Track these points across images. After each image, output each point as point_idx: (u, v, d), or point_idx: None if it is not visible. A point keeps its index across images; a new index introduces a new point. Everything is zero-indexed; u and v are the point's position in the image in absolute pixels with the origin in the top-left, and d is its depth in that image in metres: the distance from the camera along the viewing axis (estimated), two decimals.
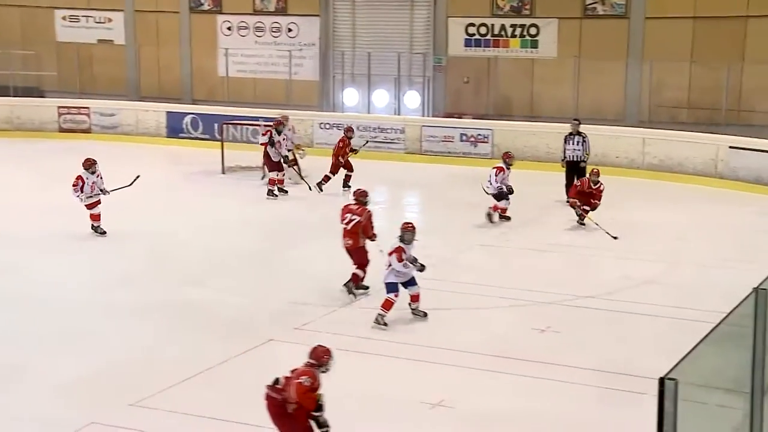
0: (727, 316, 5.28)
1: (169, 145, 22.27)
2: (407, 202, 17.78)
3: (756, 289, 5.44)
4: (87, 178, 13.91)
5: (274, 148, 16.66)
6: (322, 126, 21.74)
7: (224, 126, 20.56)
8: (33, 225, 14.58)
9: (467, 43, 22.05)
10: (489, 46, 21.84)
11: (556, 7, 21.07)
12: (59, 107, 24.02)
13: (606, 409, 8.15)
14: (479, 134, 20.38)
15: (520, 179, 16.81)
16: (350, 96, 23.13)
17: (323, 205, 15.94)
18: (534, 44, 21.44)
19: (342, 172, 17.13)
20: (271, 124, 17.20)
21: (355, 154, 17.34)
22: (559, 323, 10.20)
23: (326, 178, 17.08)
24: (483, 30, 21.83)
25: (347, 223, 10.98)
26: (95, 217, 13.95)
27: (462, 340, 9.59)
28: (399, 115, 22.17)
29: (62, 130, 23.87)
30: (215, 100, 23.96)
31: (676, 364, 4.50)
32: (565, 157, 16.54)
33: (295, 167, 17.35)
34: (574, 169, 16.32)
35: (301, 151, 18.01)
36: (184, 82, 24.86)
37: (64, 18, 25.96)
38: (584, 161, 16.37)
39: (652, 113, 19.44)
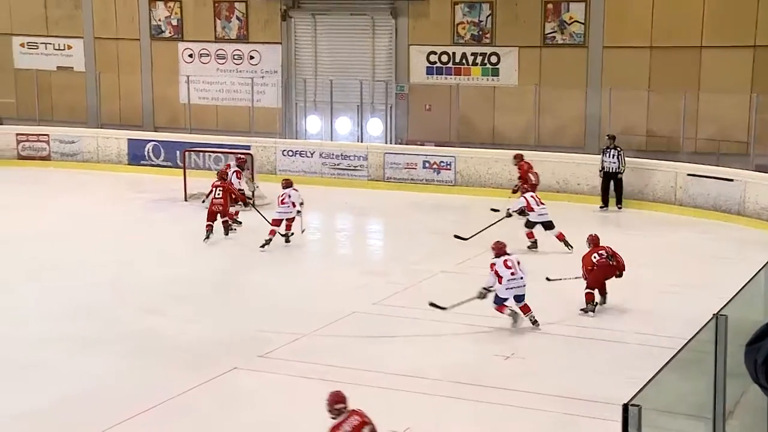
0: (688, 342, 5.36)
1: (131, 173, 22.10)
2: (370, 230, 17.81)
3: (716, 315, 5.52)
4: None
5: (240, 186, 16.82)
6: (285, 153, 21.72)
7: (186, 153, 20.46)
8: None
9: (429, 71, 22.22)
10: (451, 74, 22.02)
11: (516, 36, 21.33)
12: (18, 134, 23.74)
13: None
14: (442, 161, 20.49)
15: (483, 205, 16.93)
16: (313, 123, 23.16)
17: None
18: (495, 72, 21.66)
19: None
20: (235, 162, 17.43)
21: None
22: (523, 350, 10.26)
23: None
24: (444, 58, 22.03)
25: None
26: None
27: (427, 367, 9.60)
28: (362, 142, 22.23)
29: (21, 158, 23.58)
30: (177, 127, 23.83)
31: (640, 390, 4.55)
32: (603, 168, 18.36)
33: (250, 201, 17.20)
34: (611, 179, 18.33)
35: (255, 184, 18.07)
36: (146, 109, 24.72)
37: (22, 45, 25.71)
38: (620, 172, 18.27)
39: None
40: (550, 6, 20.90)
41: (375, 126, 22.64)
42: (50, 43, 25.43)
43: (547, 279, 12.62)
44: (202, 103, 24.05)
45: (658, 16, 20.01)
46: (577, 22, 20.76)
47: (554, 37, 21.00)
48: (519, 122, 21.37)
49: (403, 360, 9.87)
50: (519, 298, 11.02)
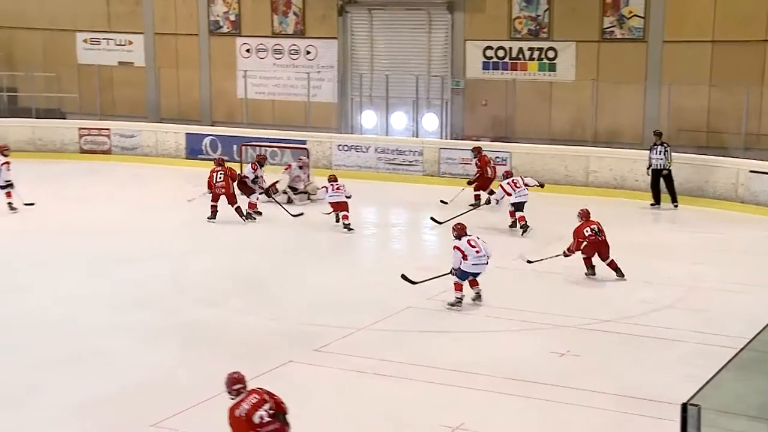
0: (750, 342, 5.26)
1: (189, 167, 22.40)
2: (425, 224, 17.76)
3: None
4: None
5: (256, 184, 17.28)
6: (340, 148, 21.82)
7: (243, 147, 20.65)
8: (52, 246, 14.69)
9: (485, 66, 22.12)
10: (507, 69, 21.89)
11: (573, 31, 21.11)
12: (80, 129, 24.24)
13: None
14: (497, 156, 20.39)
15: (538, 201, 16.80)
16: (368, 118, 23.21)
17: (336, 227, 15.97)
18: (552, 67, 21.48)
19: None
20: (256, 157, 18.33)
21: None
22: (578, 347, 10.15)
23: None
24: (501, 53, 21.89)
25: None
26: None
27: (481, 363, 9.56)
28: (417, 137, 22.23)
29: (83, 152, 24.06)
30: (234, 122, 24.11)
31: (699, 390, 4.48)
32: (650, 165, 18.04)
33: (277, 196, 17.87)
34: (659, 176, 17.99)
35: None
36: (204, 103, 25.03)
37: (85, 41, 26.22)
38: (667, 169, 17.90)
39: (671, 137, 19.37)
40: (608, 0, 20.64)
41: (430, 121, 22.61)
42: (112, 39, 25.90)
43: (528, 261, 13.31)
44: (259, 98, 24.27)
45: (721, 10, 19.64)
46: (637, 16, 20.47)
47: (613, 31, 20.74)
48: (575, 118, 21.17)
49: (456, 355, 9.84)
50: (475, 275, 11.63)
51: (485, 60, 22.05)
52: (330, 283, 12.67)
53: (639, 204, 18.30)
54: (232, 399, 6.79)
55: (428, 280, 11.94)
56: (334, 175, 16.81)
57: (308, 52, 23.88)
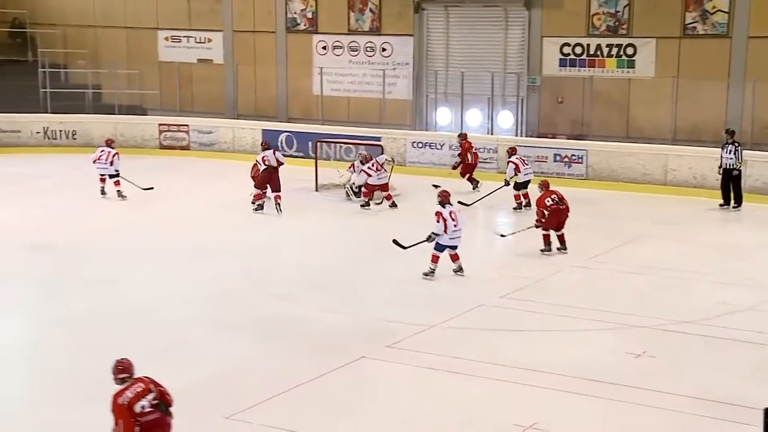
0: None
1: None
2: (500, 222, 17.66)
3: None
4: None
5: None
6: (415, 145, 21.83)
7: (318, 144, 20.84)
8: (133, 240, 15.03)
9: (562, 63, 21.86)
10: (584, 66, 21.60)
11: (654, 27, 20.72)
12: (160, 125, 24.75)
13: None
14: (573, 155, 20.15)
15: (615, 201, 16.58)
16: (443, 115, 23.17)
17: (412, 223, 15.96)
18: (631, 64, 21.11)
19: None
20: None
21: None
22: (655, 348, 9.97)
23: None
24: (578, 50, 21.62)
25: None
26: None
27: (555, 362, 9.47)
28: (492, 134, 22.10)
29: (162, 147, 24.57)
30: (310, 118, 24.32)
31: None
32: (721, 165, 17.58)
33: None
34: (730, 176, 17.45)
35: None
36: (280, 100, 25.31)
37: (166, 38, 26.75)
38: (737, 169, 17.35)
39: (755, 135, 18.88)
40: None
41: (505, 118, 22.46)
42: (192, 37, 26.37)
43: (501, 235, 14.57)
44: (335, 95, 24.43)
45: None
46: (721, 11, 19.99)
47: (695, 27, 20.30)
48: (655, 115, 20.79)
49: (530, 354, 9.77)
50: (454, 248, 12.41)
51: (562, 57, 21.80)
52: (403, 279, 12.68)
53: (719, 202, 17.88)
54: (118, 386, 6.85)
55: (417, 244, 12.75)
56: (369, 155, 17.74)
57: (384, 49, 23.94)
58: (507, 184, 17.52)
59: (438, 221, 12.20)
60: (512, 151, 17.65)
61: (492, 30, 22.66)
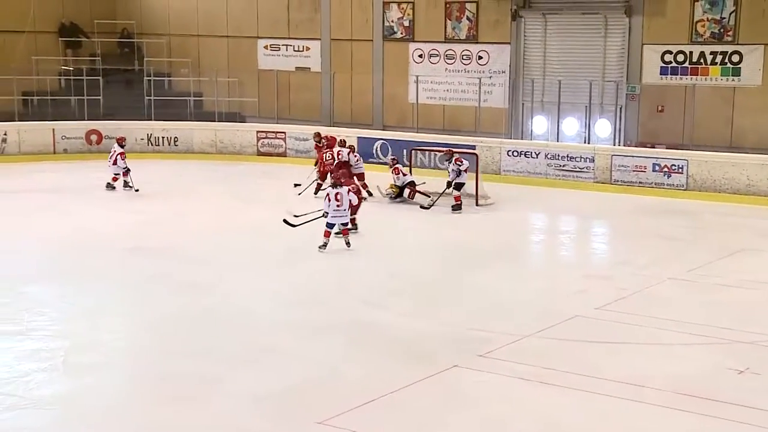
0: None
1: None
2: (595, 232, 17.37)
3: None
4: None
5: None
6: (510, 153, 21.66)
7: (413, 152, 20.85)
8: (228, 244, 15.29)
9: (663, 71, 21.38)
10: (686, 74, 21.07)
11: (762, 34, 20.07)
12: (258, 132, 25.19)
13: None
14: (673, 164, 19.67)
15: (717, 212, 16.10)
16: (539, 124, 22.93)
17: (500, 231, 15.86)
18: (736, 72, 20.50)
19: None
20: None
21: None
22: (758, 364, 9.63)
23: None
24: (680, 57, 21.11)
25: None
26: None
27: (651, 376, 9.23)
28: (589, 143, 21.75)
29: (260, 154, 25.00)
30: (405, 126, 24.38)
31: None
32: None
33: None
34: None
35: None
36: (376, 108, 25.46)
37: (266, 47, 27.24)
38: None
39: None
40: None
41: (603, 127, 22.08)
42: (290, 45, 26.78)
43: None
44: (430, 103, 24.44)
45: None
46: None
47: None
48: (760, 124, 20.13)
49: (625, 367, 9.55)
50: (344, 225, 14.58)
51: (663, 65, 21.33)
52: (496, 288, 12.58)
53: None
54: None
55: (308, 222, 14.90)
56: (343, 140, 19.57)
57: (480, 57, 23.84)
58: (449, 186, 17.95)
59: (328, 202, 14.27)
60: (451, 154, 18.21)
61: (591, 37, 22.32)
